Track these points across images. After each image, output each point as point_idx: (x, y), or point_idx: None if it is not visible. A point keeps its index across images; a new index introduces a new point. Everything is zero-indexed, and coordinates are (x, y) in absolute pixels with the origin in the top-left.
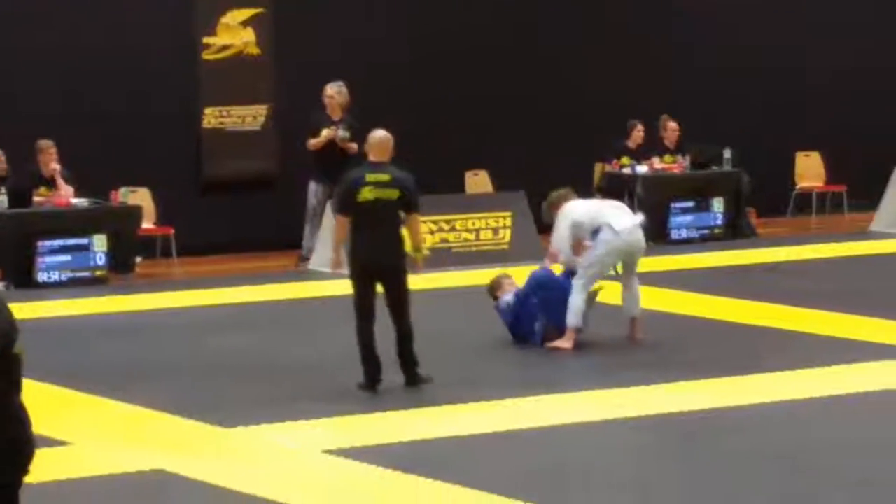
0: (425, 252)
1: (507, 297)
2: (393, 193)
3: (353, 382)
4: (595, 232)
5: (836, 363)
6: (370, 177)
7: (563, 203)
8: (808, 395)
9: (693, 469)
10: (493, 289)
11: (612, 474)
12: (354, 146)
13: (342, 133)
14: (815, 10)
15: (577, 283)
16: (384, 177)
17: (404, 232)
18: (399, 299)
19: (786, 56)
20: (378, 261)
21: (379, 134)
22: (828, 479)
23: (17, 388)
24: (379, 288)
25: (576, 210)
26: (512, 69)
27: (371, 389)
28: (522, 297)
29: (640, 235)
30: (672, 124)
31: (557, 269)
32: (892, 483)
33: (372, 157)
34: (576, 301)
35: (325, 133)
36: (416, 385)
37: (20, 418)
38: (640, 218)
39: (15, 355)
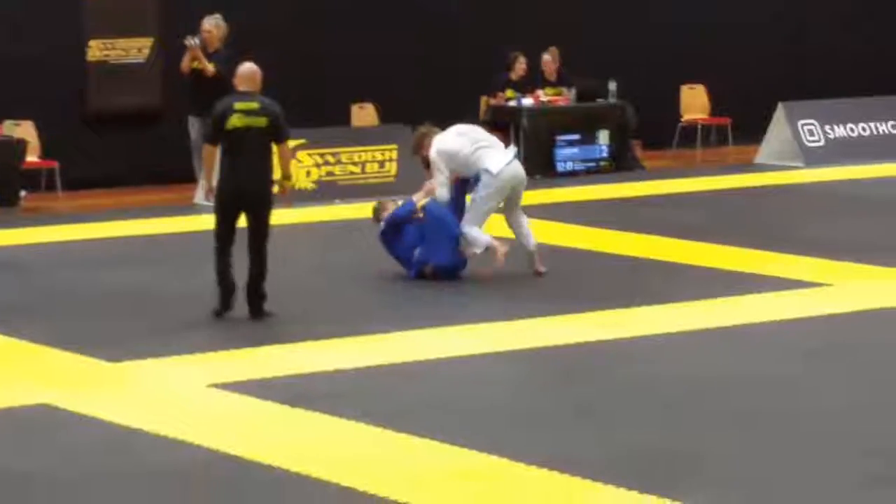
0: (294, 181)
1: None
2: (261, 121)
3: (239, 317)
4: (475, 178)
5: (722, 295)
6: (238, 105)
7: (427, 140)
8: (694, 327)
9: (576, 400)
10: (378, 211)
11: (496, 406)
12: (210, 68)
13: (191, 41)
14: None
15: (465, 223)
16: (253, 105)
17: (274, 161)
18: (258, 231)
19: None
20: (244, 188)
21: (247, 65)
22: (712, 411)
23: None
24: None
25: (446, 144)
26: (399, 2)
27: (222, 314)
28: (405, 213)
29: (519, 170)
30: (547, 56)
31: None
32: (777, 414)
33: (241, 87)
34: (472, 230)
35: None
36: (260, 319)
37: None
38: (512, 151)
39: None
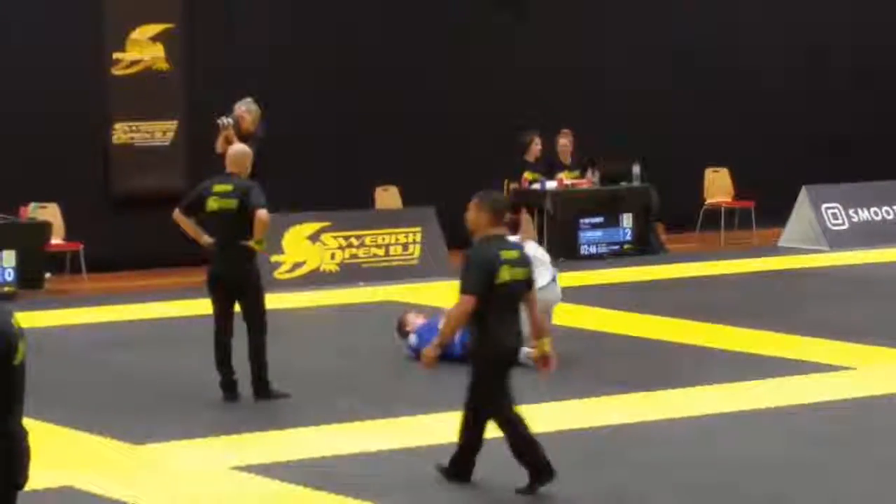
0: (263, 246)
1: (413, 339)
2: (232, 203)
3: (262, 399)
4: None
5: (746, 379)
6: (216, 187)
7: None
8: (717, 410)
9: (601, 484)
10: (402, 325)
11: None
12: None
13: (224, 120)
14: (726, 29)
15: None
16: (227, 187)
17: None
18: (245, 315)
19: (696, 73)
20: (221, 273)
21: (235, 147)
22: (728, 495)
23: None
24: None
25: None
26: (423, 87)
27: (226, 397)
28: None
29: (557, 291)
30: (563, 140)
31: None
32: (796, 499)
33: (228, 169)
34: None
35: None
36: (267, 400)
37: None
38: (554, 272)
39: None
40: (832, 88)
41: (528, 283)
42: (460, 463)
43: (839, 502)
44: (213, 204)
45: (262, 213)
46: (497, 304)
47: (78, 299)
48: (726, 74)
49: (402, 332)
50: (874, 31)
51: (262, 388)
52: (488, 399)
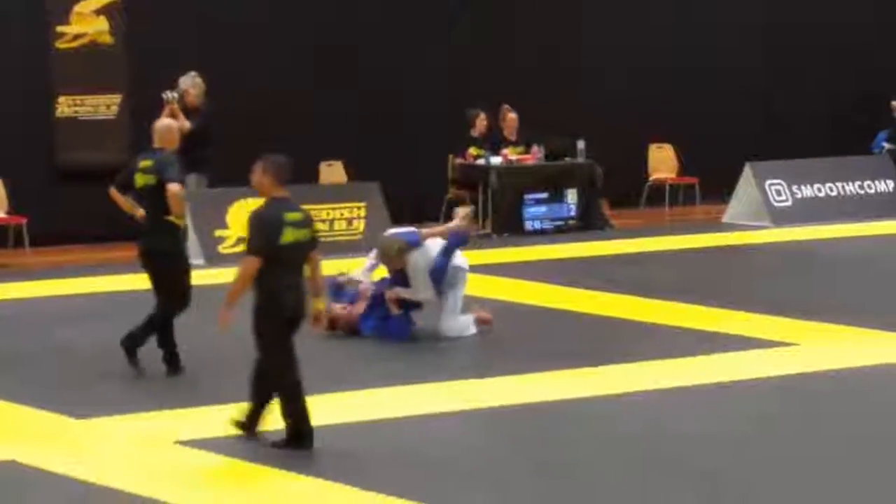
0: (184, 221)
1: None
2: (152, 179)
3: (206, 373)
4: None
5: (689, 354)
6: (141, 163)
7: (407, 255)
8: (660, 386)
9: (542, 460)
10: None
11: (464, 465)
12: (185, 125)
13: (169, 94)
14: (668, 8)
15: (450, 310)
16: (148, 163)
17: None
18: (156, 283)
19: (640, 51)
20: (146, 247)
21: (160, 121)
22: (671, 470)
23: None
24: None
25: (426, 255)
26: (368, 62)
27: (168, 372)
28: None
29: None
30: (511, 115)
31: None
32: (736, 475)
33: (154, 144)
34: (461, 318)
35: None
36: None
37: None
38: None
39: None
40: (777, 65)
41: (312, 243)
42: (253, 416)
43: (783, 477)
44: (139, 179)
45: (172, 188)
46: (281, 264)
47: (21, 273)
48: (671, 50)
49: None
50: (817, 7)
51: (174, 363)
52: (270, 356)
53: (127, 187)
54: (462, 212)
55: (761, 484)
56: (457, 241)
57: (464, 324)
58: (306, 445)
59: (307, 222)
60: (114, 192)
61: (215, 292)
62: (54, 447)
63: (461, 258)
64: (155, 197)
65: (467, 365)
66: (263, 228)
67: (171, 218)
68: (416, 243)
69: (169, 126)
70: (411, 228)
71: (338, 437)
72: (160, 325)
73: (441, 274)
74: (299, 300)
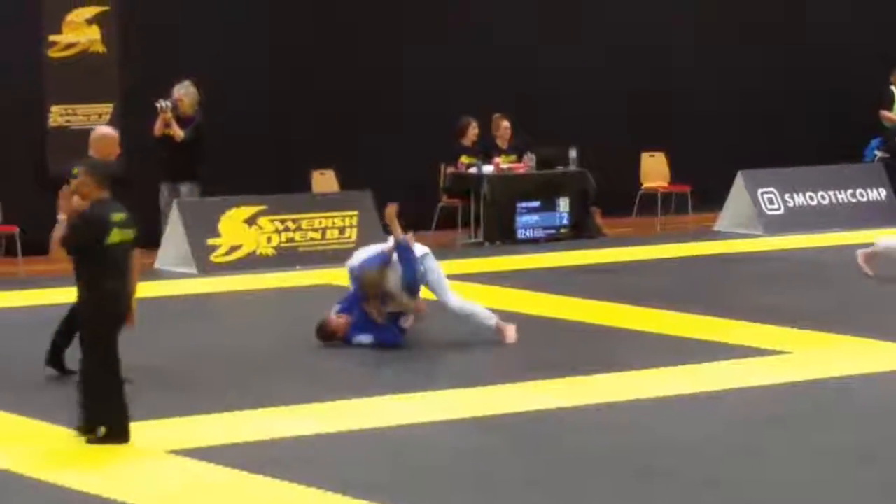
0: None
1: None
2: None
3: (197, 382)
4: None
5: (681, 363)
6: (74, 170)
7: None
8: (653, 394)
9: (534, 469)
10: (325, 329)
11: (455, 474)
12: (178, 133)
13: (163, 103)
14: (660, 13)
15: (462, 300)
16: (76, 171)
17: None
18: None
19: (631, 56)
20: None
21: (96, 130)
22: (667, 479)
23: None
24: None
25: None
26: (359, 71)
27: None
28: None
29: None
30: (505, 123)
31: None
32: (733, 484)
33: (89, 152)
34: (476, 306)
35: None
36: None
37: None
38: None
39: None
40: (770, 72)
41: (135, 243)
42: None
43: (776, 486)
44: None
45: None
46: (108, 264)
47: (13, 282)
48: (662, 57)
49: (326, 335)
50: (811, 13)
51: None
52: (92, 354)
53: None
54: (388, 217)
55: (755, 492)
56: (404, 252)
57: (480, 309)
58: (123, 440)
59: (131, 223)
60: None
61: (209, 301)
62: (47, 457)
63: (418, 248)
64: None
65: (459, 374)
66: (90, 229)
67: None
68: (388, 261)
69: (103, 135)
70: (369, 251)
71: (332, 446)
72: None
73: (415, 283)
74: (124, 300)
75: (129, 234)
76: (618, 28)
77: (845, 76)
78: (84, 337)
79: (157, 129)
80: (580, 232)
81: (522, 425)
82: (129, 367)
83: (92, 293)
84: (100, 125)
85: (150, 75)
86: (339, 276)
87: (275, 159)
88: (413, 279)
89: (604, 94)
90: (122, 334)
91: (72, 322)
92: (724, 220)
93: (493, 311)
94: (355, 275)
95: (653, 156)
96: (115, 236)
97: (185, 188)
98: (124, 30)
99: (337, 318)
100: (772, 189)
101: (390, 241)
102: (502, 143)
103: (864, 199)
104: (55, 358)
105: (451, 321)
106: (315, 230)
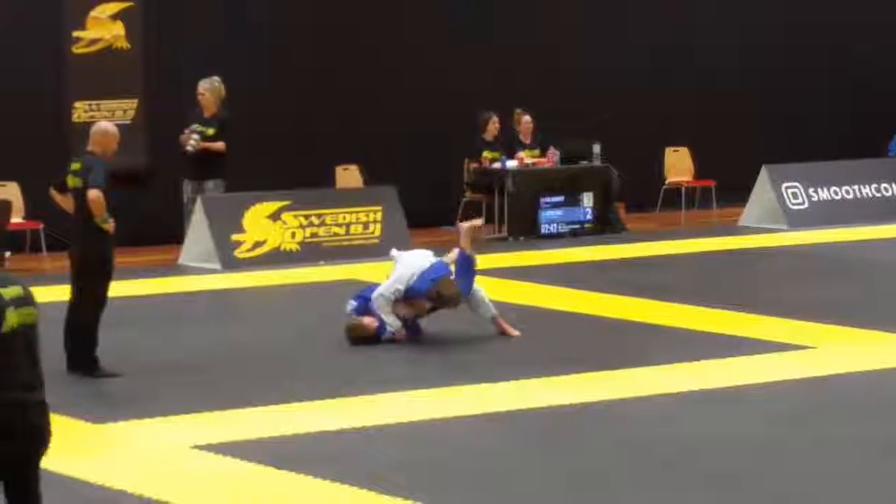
0: (108, 224)
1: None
2: (79, 182)
3: (221, 378)
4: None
5: (705, 358)
6: (72, 165)
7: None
8: (677, 389)
9: (555, 464)
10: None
11: (476, 469)
12: (219, 145)
13: (192, 143)
14: (683, 11)
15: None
16: (77, 165)
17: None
18: (82, 289)
19: (656, 53)
20: (71, 250)
21: (97, 124)
22: (692, 474)
23: None
24: None
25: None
26: (382, 66)
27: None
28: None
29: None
30: (526, 118)
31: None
32: (757, 476)
33: (87, 147)
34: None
35: (183, 139)
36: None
37: None
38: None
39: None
40: (794, 68)
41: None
42: None
43: (798, 481)
44: (69, 181)
45: (91, 193)
46: (3, 362)
47: (38, 278)
48: (686, 52)
49: (357, 338)
50: (836, 9)
51: (82, 364)
52: None
53: (64, 189)
54: (465, 230)
55: (781, 487)
56: (466, 264)
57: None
58: None
59: (30, 299)
60: (53, 192)
61: (232, 297)
62: (71, 452)
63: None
64: (81, 200)
65: (483, 369)
66: None
67: (98, 222)
68: (450, 273)
69: (104, 130)
70: (428, 257)
71: (356, 442)
72: (77, 328)
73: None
74: (33, 418)
75: (31, 312)
76: (643, 24)
77: (870, 71)
78: None
79: (181, 146)
80: (604, 227)
81: (546, 420)
82: (153, 363)
83: None
84: (100, 121)
85: (173, 71)
86: (362, 272)
87: (298, 154)
88: (468, 293)
89: (628, 90)
90: (142, 332)
91: (72, 331)
92: (749, 215)
93: (517, 306)
94: (429, 279)
95: (677, 151)
96: (12, 319)
97: (210, 184)
98: (148, 25)
99: (369, 321)
100: (796, 184)
101: (453, 253)
102: (524, 137)
103: (889, 194)
104: (78, 362)
105: (476, 318)
106: (339, 225)
